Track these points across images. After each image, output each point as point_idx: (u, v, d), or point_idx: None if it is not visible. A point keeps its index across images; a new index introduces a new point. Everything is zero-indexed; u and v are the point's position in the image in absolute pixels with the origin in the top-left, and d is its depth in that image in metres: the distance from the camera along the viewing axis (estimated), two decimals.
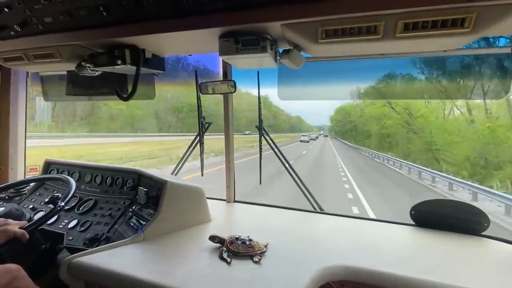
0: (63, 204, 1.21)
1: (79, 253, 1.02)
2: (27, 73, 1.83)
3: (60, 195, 1.28)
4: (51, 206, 1.24)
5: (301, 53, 1.04)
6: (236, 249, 1.05)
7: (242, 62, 1.13)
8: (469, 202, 1.52)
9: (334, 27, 0.87)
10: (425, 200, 1.41)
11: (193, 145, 1.90)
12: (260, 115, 1.77)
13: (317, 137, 52.12)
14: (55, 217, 1.40)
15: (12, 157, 1.82)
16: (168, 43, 1.19)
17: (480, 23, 0.76)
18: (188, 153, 1.93)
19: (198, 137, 1.89)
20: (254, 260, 1.02)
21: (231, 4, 0.90)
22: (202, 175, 1.99)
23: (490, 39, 1.25)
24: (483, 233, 1.28)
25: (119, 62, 1.16)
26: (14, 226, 1.09)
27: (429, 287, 0.89)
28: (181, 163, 1.95)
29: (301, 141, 38.09)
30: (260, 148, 1.89)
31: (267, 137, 1.78)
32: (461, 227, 1.31)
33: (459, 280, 0.90)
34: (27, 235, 1.09)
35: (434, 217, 1.37)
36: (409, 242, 1.27)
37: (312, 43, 0.92)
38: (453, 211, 1.34)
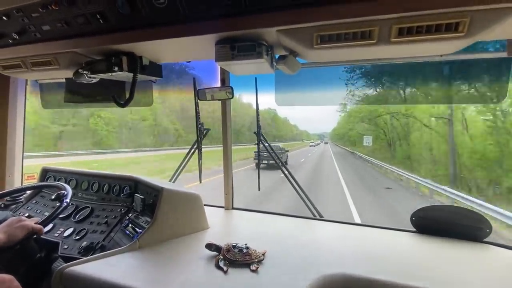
0: (68, 200, 1.25)
1: (71, 262, 1.00)
2: (26, 81, 1.84)
3: (65, 192, 1.29)
4: (57, 203, 1.25)
5: (297, 58, 1.05)
6: (232, 257, 1.03)
7: (238, 68, 1.13)
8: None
9: (329, 32, 0.87)
10: (425, 206, 1.38)
11: (191, 152, 1.89)
12: (258, 121, 1.77)
13: (318, 144, 60.93)
14: (51, 225, 1.39)
15: (9, 165, 1.81)
16: (165, 50, 1.20)
17: (474, 27, 0.76)
18: (186, 160, 1.91)
19: (197, 144, 1.87)
20: (251, 268, 0.99)
21: (226, 11, 0.91)
22: (200, 182, 1.98)
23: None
24: (485, 239, 1.26)
25: (116, 69, 1.17)
26: (30, 222, 1.12)
27: None
28: (179, 170, 1.93)
29: (310, 146, 53.04)
30: (259, 154, 1.87)
31: (265, 143, 1.77)
32: (463, 233, 1.28)
33: None
34: (43, 230, 1.13)
35: (435, 223, 1.34)
36: (409, 249, 1.24)
37: (307, 48, 0.93)
38: (454, 217, 1.32)
